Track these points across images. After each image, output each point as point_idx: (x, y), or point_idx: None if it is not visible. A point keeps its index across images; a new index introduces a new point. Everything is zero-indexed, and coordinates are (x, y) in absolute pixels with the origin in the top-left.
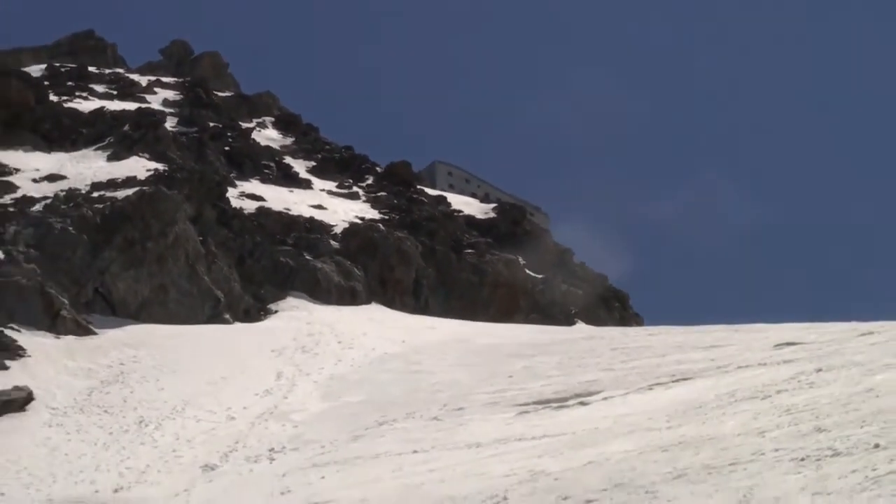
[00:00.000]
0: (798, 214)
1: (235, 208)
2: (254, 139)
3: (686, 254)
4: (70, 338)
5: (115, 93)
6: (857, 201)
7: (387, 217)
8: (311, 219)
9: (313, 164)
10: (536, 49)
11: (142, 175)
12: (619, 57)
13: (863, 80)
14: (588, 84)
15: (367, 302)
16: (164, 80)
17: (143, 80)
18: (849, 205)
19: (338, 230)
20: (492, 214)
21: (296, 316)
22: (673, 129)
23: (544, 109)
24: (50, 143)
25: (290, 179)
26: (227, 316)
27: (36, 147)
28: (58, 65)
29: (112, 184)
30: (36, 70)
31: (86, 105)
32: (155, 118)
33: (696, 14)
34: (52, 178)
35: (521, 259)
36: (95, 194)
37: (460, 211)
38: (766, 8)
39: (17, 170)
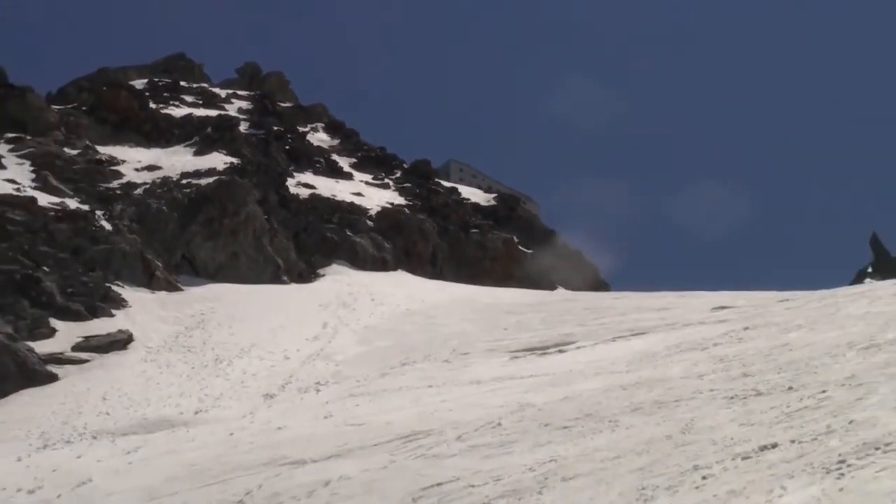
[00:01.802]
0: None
1: (293, 194)
2: (308, 140)
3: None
4: (162, 293)
5: (200, 102)
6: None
7: (411, 203)
8: (352, 203)
9: (354, 160)
10: (540, 58)
11: (220, 167)
12: (614, 63)
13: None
14: (583, 91)
15: (395, 269)
16: (239, 93)
17: (223, 93)
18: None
19: (372, 213)
20: (493, 202)
21: (338, 279)
22: (658, 131)
23: (541, 117)
24: (149, 141)
25: (335, 172)
26: (285, 278)
27: (138, 144)
28: (156, 80)
29: (197, 173)
30: (139, 83)
31: (177, 112)
32: (231, 123)
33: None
34: (150, 168)
35: (515, 237)
36: (184, 181)
37: (468, 199)
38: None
39: (124, 161)
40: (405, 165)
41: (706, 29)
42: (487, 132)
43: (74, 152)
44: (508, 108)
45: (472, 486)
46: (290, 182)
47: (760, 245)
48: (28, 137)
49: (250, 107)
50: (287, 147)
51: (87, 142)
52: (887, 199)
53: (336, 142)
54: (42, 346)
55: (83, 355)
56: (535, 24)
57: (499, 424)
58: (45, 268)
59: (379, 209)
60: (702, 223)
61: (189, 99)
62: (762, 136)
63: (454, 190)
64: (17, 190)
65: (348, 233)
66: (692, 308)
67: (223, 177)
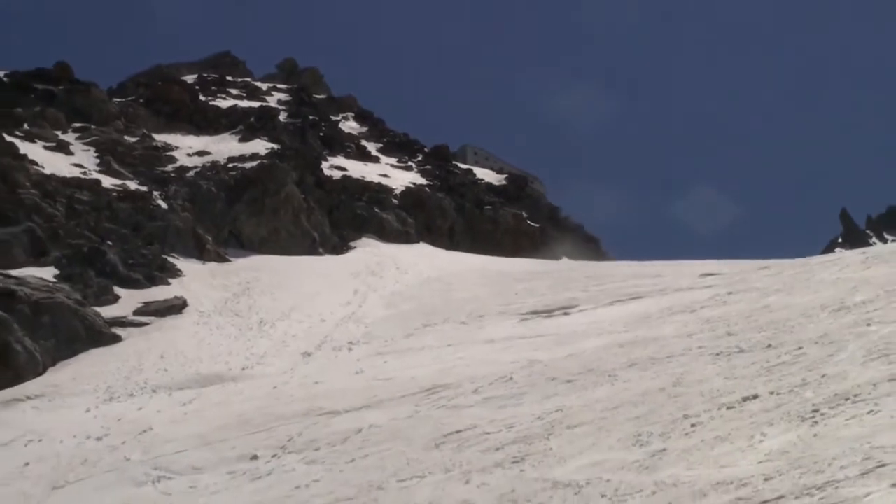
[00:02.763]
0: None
1: (326, 176)
2: (340, 128)
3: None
4: (212, 264)
5: (244, 95)
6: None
7: (431, 183)
8: (379, 183)
9: (381, 145)
10: (551, 58)
11: (262, 152)
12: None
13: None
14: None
15: (417, 242)
16: (279, 86)
17: (264, 87)
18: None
19: (397, 192)
20: (504, 182)
21: (367, 251)
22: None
23: (548, 109)
24: (199, 129)
25: (364, 156)
26: (320, 250)
27: (190, 132)
28: (205, 75)
29: (241, 158)
30: (190, 78)
31: (224, 103)
32: (272, 113)
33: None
34: (200, 153)
35: (523, 213)
36: (230, 165)
37: (482, 179)
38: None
39: (177, 147)
40: (426, 149)
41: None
42: (499, 120)
43: (133, 139)
44: (520, 105)
45: (488, 433)
46: (324, 165)
47: (745, 220)
48: (92, 127)
49: (288, 98)
50: (321, 134)
51: (145, 130)
52: (856, 180)
53: (365, 129)
54: (107, 311)
55: (143, 319)
56: (546, 31)
57: (510, 379)
58: (108, 242)
59: (403, 188)
60: (695, 218)
61: (234, 92)
62: (747, 132)
63: (469, 171)
64: (84, 173)
65: (376, 209)
66: (682, 275)
67: (265, 161)
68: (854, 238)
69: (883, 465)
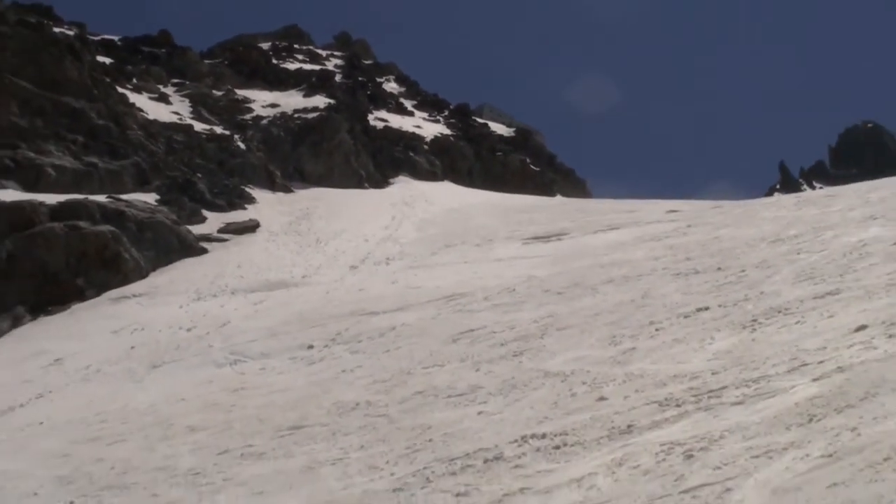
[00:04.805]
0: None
1: (372, 126)
2: (383, 88)
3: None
4: (280, 193)
5: (308, 60)
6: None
7: (454, 133)
8: (413, 133)
9: (415, 102)
10: (562, 44)
11: (321, 105)
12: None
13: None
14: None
15: (442, 180)
16: (335, 53)
17: (324, 53)
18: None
19: (427, 140)
20: (513, 134)
21: (403, 187)
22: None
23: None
24: (272, 86)
25: (402, 111)
26: (366, 185)
27: (264, 88)
28: (277, 43)
29: (304, 110)
30: (265, 45)
31: (292, 66)
32: (329, 74)
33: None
34: (272, 105)
35: (527, 159)
36: (296, 115)
37: (495, 131)
38: None
39: (254, 101)
40: (451, 107)
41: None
42: (509, 85)
43: (219, 93)
44: (529, 73)
45: (494, 331)
46: (370, 117)
47: (702, 168)
48: (187, 82)
49: (343, 63)
50: (368, 92)
51: (229, 86)
52: (793, 138)
53: (403, 89)
54: (196, 229)
55: (225, 236)
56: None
57: (513, 290)
58: (198, 174)
59: (432, 137)
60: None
61: (300, 57)
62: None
63: (485, 125)
64: (180, 119)
65: (410, 154)
66: (652, 211)
67: (323, 113)
68: (789, 185)
69: (805, 364)
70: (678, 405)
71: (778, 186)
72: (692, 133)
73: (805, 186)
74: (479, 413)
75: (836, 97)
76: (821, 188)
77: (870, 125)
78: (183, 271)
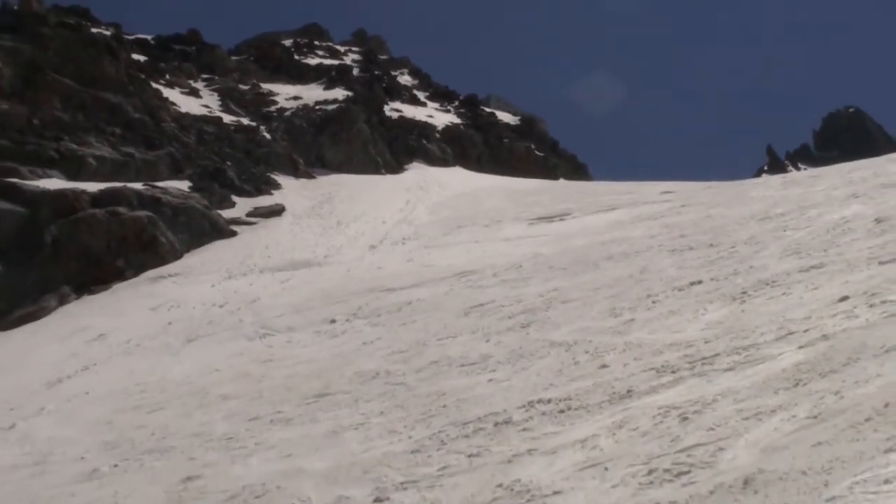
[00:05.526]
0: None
1: (387, 116)
2: (397, 80)
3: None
4: (303, 179)
5: (327, 55)
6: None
7: (464, 122)
8: (426, 122)
9: (427, 94)
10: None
11: (340, 98)
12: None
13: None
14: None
15: (453, 166)
16: (353, 48)
17: (342, 49)
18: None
19: (439, 128)
20: (518, 122)
21: (417, 172)
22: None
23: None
24: (294, 80)
25: (415, 102)
26: (382, 171)
27: (287, 82)
28: (299, 40)
29: (325, 102)
30: (287, 42)
31: (313, 61)
32: (347, 69)
33: None
34: (295, 98)
35: (532, 145)
36: (317, 107)
37: (502, 120)
38: None
39: (278, 94)
40: (461, 97)
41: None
42: (517, 77)
43: (246, 87)
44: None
45: (503, 305)
46: (385, 108)
47: (695, 151)
48: (216, 77)
49: (360, 58)
50: (384, 85)
51: (254, 81)
52: (780, 123)
53: (416, 82)
54: (227, 213)
55: (253, 219)
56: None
57: (520, 266)
58: (228, 162)
59: (443, 126)
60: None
61: (320, 53)
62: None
63: (493, 114)
64: (209, 112)
65: (423, 141)
66: (648, 192)
67: (342, 104)
68: (776, 167)
69: (792, 333)
70: (674, 372)
71: (766, 168)
72: (687, 121)
73: (791, 168)
74: (490, 380)
75: (820, 84)
76: (806, 169)
77: (851, 110)
78: (214, 252)
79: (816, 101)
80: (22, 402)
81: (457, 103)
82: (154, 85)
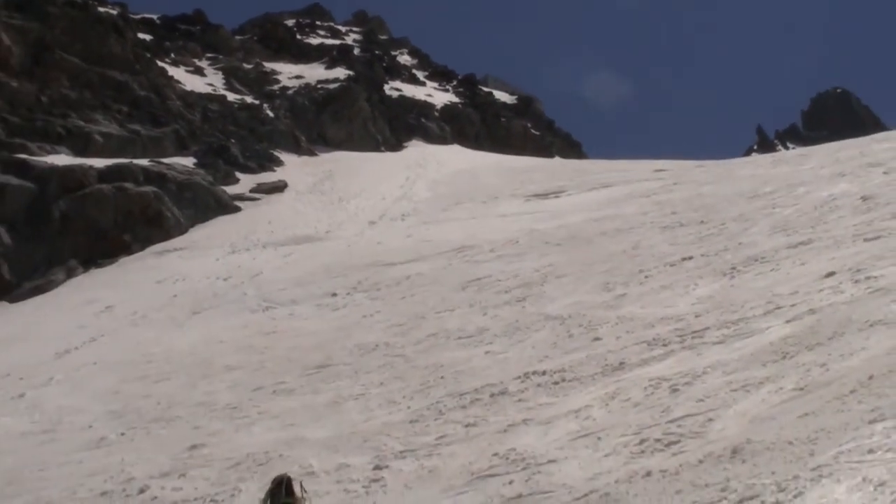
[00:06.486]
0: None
1: (387, 95)
2: (397, 60)
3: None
4: (305, 156)
5: (329, 35)
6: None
7: (462, 101)
8: (425, 101)
9: (427, 73)
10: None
11: (342, 77)
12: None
13: None
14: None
15: (452, 144)
16: (354, 29)
17: (344, 29)
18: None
19: (438, 107)
20: (515, 101)
21: (416, 149)
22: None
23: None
24: (297, 59)
25: (415, 81)
26: (382, 148)
27: (290, 61)
28: (301, 20)
29: (327, 81)
30: (290, 22)
31: (315, 41)
32: (349, 48)
33: None
34: (297, 77)
35: (528, 124)
36: (319, 86)
37: (499, 99)
38: None
39: (281, 73)
40: (459, 77)
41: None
42: (515, 54)
43: (249, 66)
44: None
45: (499, 280)
46: (386, 87)
47: (686, 130)
48: (220, 57)
49: (361, 38)
50: (384, 65)
51: (258, 60)
52: (769, 102)
53: (415, 61)
54: (230, 189)
55: (256, 195)
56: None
57: (517, 242)
58: (232, 140)
59: (442, 105)
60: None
61: (322, 33)
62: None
63: (490, 93)
64: (214, 90)
65: (422, 120)
66: (641, 170)
67: (343, 83)
68: (766, 146)
69: (779, 308)
70: (665, 345)
71: (755, 147)
72: (678, 101)
73: (780, 147)
74: (486, 353)
75: (809, 65)
76: (794, 148)
77: (839, 91)
78: (219, 227)
79: (805, 82)
80: (31, 372)
81: (455, 83)
82: (160, 63)
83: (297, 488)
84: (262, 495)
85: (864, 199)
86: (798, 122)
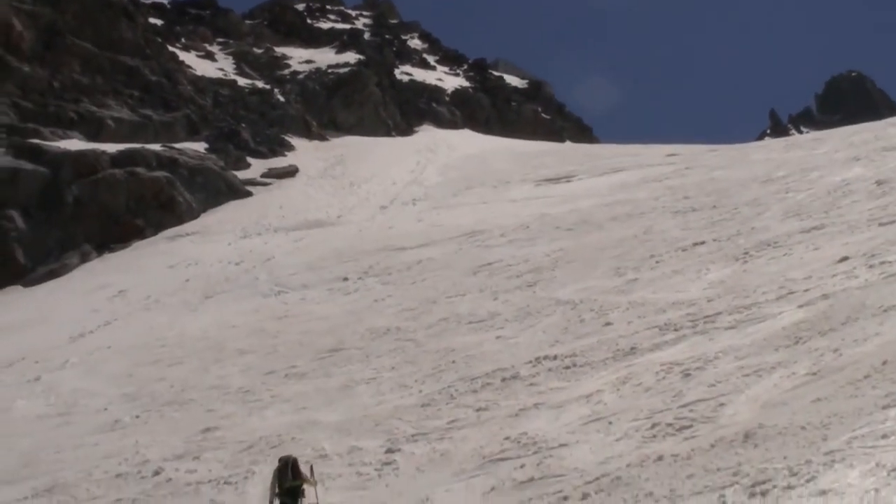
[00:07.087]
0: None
1: (398, 79)
2: (408, 44)
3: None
4: (316, 141)
5: (339, 20)
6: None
7: (473, 86)
8: (436, 86)
9: (437, 57)
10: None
11: (352, 61)
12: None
13: None
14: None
15: (462, 128)
16: (364, 13)
17: (354, 13)
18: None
19: (449, 92)
20: (526, 86)
21: (427, 134)
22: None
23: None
24: (307, 44)
25: (425, 65)
26: (393, 133)
27: (300, 46)
28: (311, 4)
29: (337, 65)
30: (300, 6)
31: (325, 25)
32: (359, 33)
33: None
34: (308, 61)
35: (539, 108)
36: (329, 70)
37: (510, 83)
38: None
39: (291, 57)
40: (470, 61)
41: None
42: (528, 37)
43: (260, 51)
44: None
45: (510, 265)
46: (396, 72)
47: (698, 115)
48: (231, 41)
49: (371, 23)
50: (394, 49)
51: (268, 44)
52: (782, 86)
53: (426, 46)
54: (242, 174)
55: (267, 180)
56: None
57: (527, 227)
58: (243, 125)
59: (453, 89)
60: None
61: (332, 17)
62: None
63: (501, 78)
64: (224, 75)
65: (433, 104)
66: (653, 154)
67: (354, 68)
68: (779, 130)
69: (792, 293)
70: (676, 329)
71: (768, 131)
72: (691, 85)
73: (793, 131)
74: (498, 337)
75: (824, 48)
76: (808, 133)
77: (854, 74)
78: (230, 212)
79: (820, 65)
80: (46, 356)
81: (465, 67)
82: (170, 48)
83: (304, 470)
84: (269, 475)
85: (878, 183)
86: (812, 105)
